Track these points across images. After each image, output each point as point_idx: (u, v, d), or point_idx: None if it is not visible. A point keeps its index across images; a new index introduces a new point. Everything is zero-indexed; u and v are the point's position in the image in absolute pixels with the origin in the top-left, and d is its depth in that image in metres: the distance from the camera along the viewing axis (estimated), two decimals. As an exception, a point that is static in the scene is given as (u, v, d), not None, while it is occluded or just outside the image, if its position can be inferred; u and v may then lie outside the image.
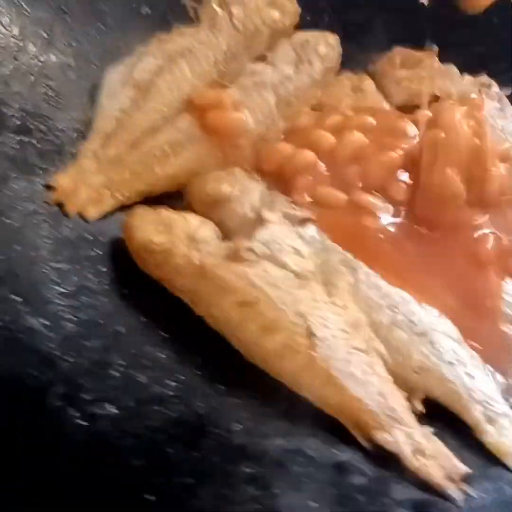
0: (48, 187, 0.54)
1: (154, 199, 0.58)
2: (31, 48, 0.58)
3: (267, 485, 0.42)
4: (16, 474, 0.39)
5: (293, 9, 0.67)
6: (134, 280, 0.52)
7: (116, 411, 0.42)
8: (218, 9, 0.63)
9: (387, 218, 0.54)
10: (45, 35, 0.60)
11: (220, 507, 0.39)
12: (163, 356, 0.48)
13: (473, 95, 0.60)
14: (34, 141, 0.55)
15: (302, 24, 0.67)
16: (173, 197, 0.59)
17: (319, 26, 0.68)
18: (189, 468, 0.41)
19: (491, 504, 0.43)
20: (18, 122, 0.54)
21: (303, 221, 0.54)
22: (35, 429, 0.41)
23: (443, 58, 0.65)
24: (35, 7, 0.58)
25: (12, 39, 0.56)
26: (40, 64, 0.58)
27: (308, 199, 0.56)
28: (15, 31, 0.56)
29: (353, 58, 0.67)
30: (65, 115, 0.58)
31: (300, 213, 0.54)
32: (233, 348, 0.49)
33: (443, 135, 0.53)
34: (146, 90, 0.59)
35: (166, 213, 0.54)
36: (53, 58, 0.59)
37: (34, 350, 0.44)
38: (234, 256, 0.51)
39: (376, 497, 0.43)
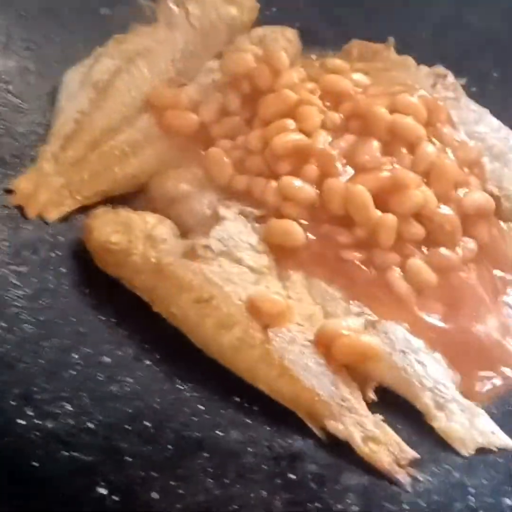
0: (8, 191, 0.55)
1: (114, 200, 0.59)
2: (-11, 53, 0.59)
3: (220, 475, 0.43)
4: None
5: (251, 5, 0.68)
6: (94, 280, 0.53)
7: (71, 409, 0.43)
8: (174, 7, 0.64)
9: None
10: (3, 39, 0.61)
11: (171, 499, 0.40)
12: (121, 353, 0.49)
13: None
14: (-7, 145, 0.56)
15: (261, 20, 0.68)
16: (133, 197, 0.59)
17: (278, 21, 0.68)
18: (142, 461, 0.42)
19: (439, 488, 0.44)
20: (-23, 127, 0.55)
21: (258, 218, 0.55)
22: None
23: (401, 51, 0.66)
24: (-8, 12, 0.60)
25: (-31, 46, 0.57)
26: (-1, 68, 0.59)
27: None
28: (-28, 37, 0.57)
29: (312, 52, 0.68)
30: (25, 119, 0.59)
31: (256, 210, 0.55)
32: (191, 344, 0.50)
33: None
34: (105, 90, 0.60)
35: (124, 213, 0.55)
36: (11, 62, 0.60)
37: (-10, 353, 0.45)
38: (191, 254, 0.52)
39: (327, 484, 0.44)
